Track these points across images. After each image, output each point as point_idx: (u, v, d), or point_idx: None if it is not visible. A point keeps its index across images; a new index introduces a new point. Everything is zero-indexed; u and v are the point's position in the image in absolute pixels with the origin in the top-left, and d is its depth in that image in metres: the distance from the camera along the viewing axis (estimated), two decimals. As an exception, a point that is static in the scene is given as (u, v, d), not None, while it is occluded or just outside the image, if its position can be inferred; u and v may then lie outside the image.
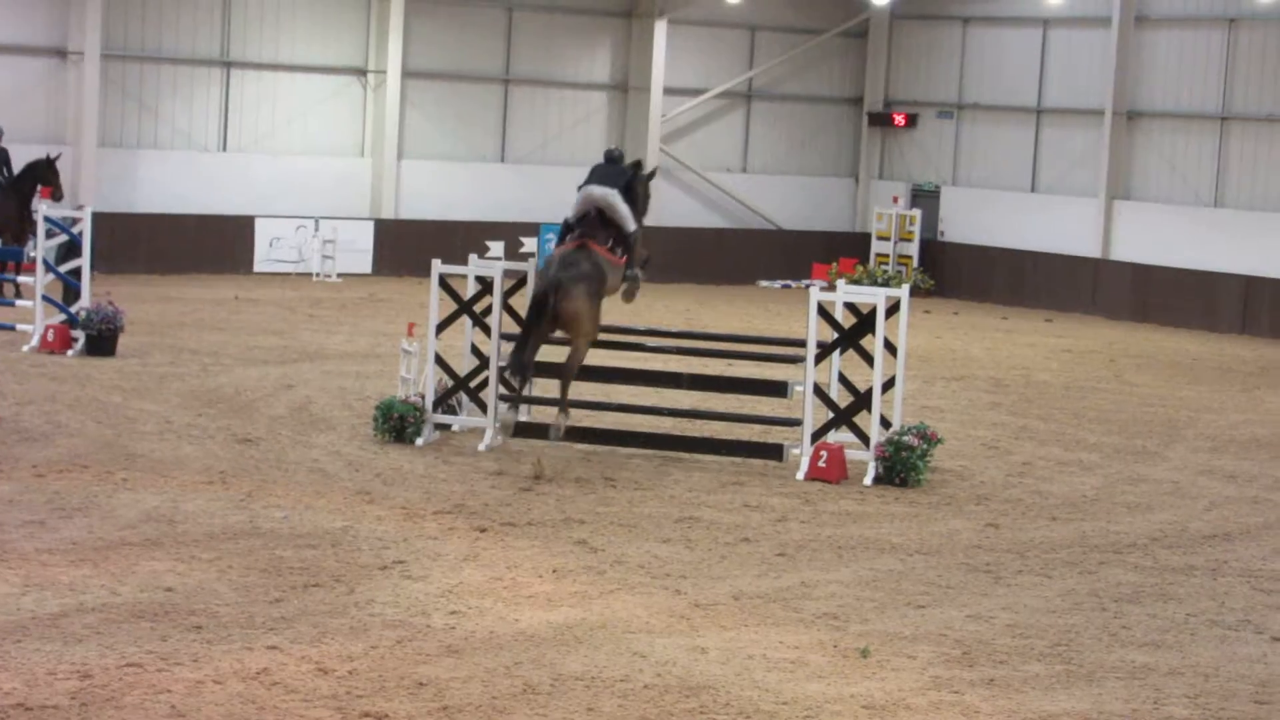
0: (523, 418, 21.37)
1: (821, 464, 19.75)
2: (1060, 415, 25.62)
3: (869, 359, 20.04)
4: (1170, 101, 41.67)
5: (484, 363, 21.06)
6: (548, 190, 43.07)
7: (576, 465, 19.93)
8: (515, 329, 21.23)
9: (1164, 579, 16.16)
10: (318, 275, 39.71)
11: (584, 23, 44.22)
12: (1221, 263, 39.59)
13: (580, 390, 21.90)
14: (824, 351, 20.14)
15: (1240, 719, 12.19)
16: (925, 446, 19.84)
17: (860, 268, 43.81)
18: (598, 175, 21.11)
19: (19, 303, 27.49)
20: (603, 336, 21.14)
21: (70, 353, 25.65)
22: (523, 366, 19.80)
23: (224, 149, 40.43)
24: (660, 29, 44.09)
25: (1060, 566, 16.43)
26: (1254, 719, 12.21)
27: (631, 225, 20.87)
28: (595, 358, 22.12)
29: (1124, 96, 42.20)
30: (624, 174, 21.20)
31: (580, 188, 20.97)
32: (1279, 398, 28.89)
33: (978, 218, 44.74)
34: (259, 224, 40.00)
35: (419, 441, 20.61)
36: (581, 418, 21.68)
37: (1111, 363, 32.38)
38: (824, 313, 20.13)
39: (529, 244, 21.08)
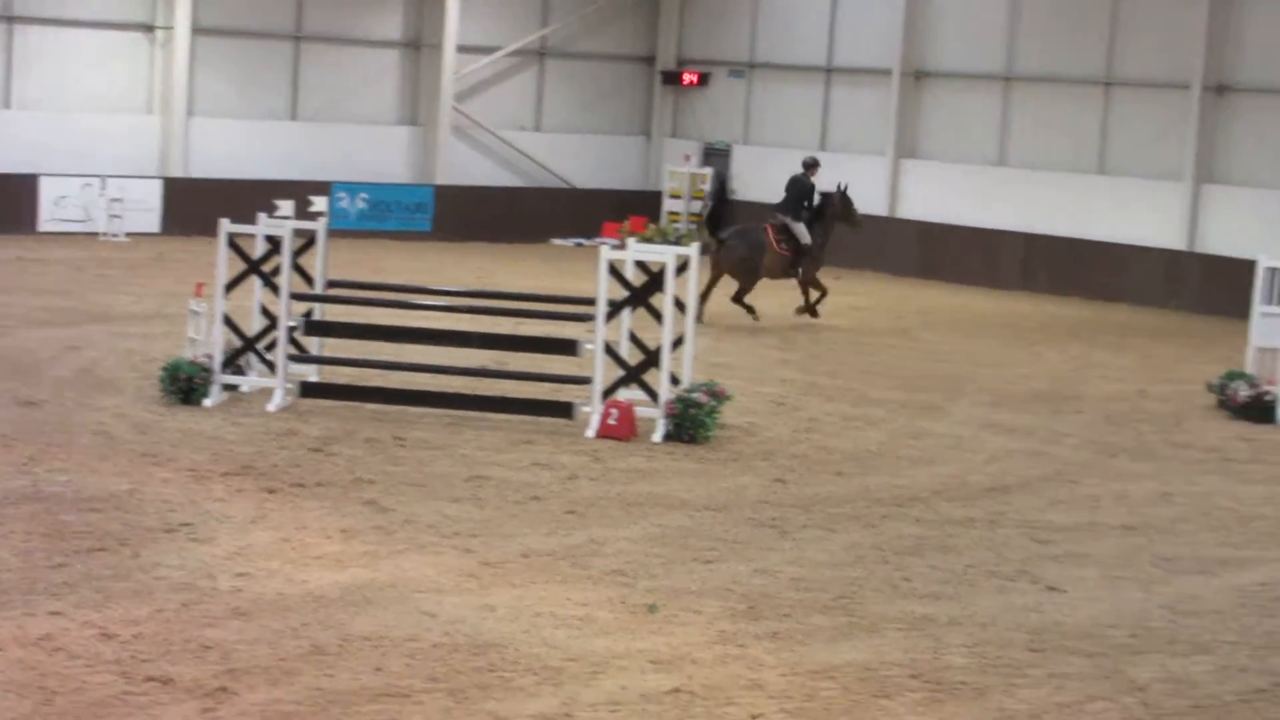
0: (313, 378, 21.31)
1: (611, 421, 19.90)
2: (847, 371, 25.99)
3: (659, 317, 20.21)
4: (956, 62, 42.28)
5: (273, 323, 20.94)
6: (339, 148, 42.83)
7: (366, 425, 19.88)
8: (304, 288, 21.20)
9: (945, 531, 16.49)
10: (105, 235, 39.10)
11: (375, -21, 43.96)
12: (1004, 221, 40.30)
13: (370, 349, 21.88)
14: (614, 310, 20.28)
15: (1016, 666, 12.50)
16: (714, 403, 20.05)
17: (652, 226, 43.98)
18: (787, 194, 31.42)
19: None
20: (390, 296, 21.30)
21: None
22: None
23: (7, 106, 39.67)
24: (452, -14, 43.93)
25: (844, 520, 16.71)
26: (1029, 665, 12.53)
27: (806, 239, 30.79)
28: (384, 317, 22.12)
29: (912, 57, 42.76)
30: (806, 191, 31.25)
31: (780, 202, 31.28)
32: (1058, 353, 29.51)
33: (769, 176, 45.05)
34: (44, 182, 39.26)
35: (207, 403, 20.45)
36: (371, 377, 21.65)
37: (898, 319, 32.87)
38: (614, 271, 20.27)
39: (319, 203, 20.97)
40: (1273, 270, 24.77)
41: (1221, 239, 37.36)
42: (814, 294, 31.27)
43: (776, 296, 31.79)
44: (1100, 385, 26.10)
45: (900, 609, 13.78)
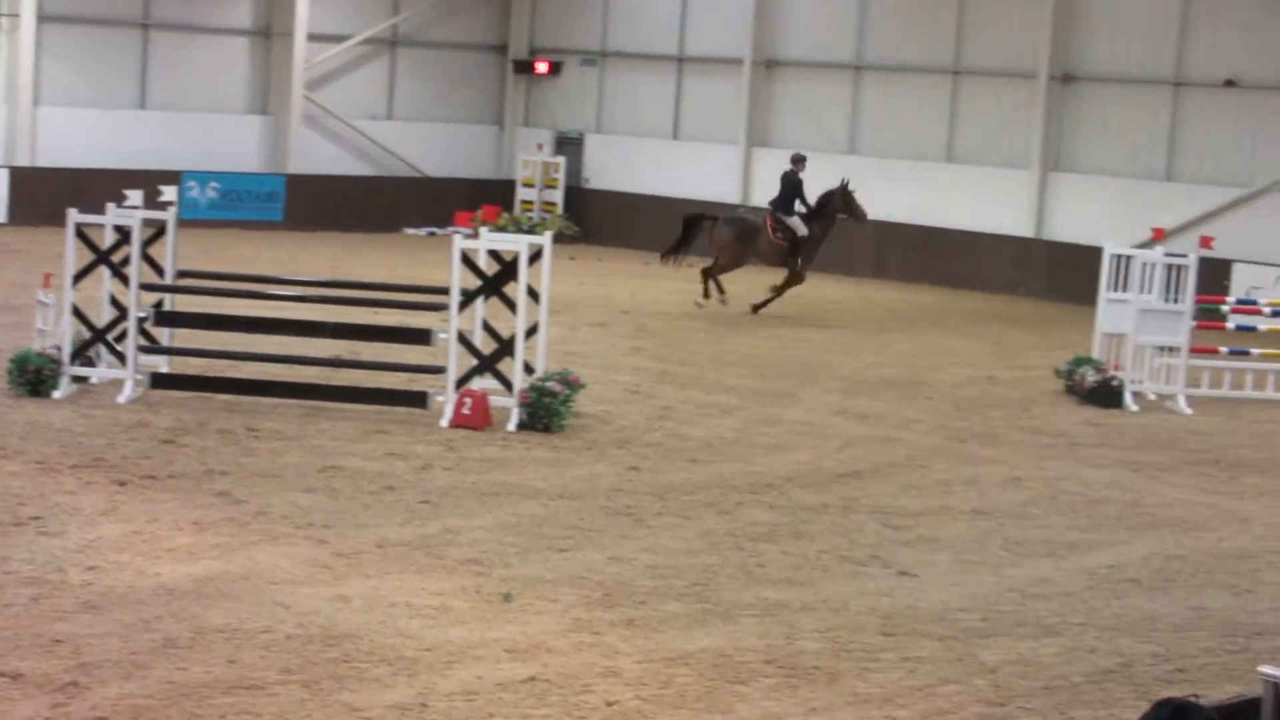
0: (164, 369, 21.13)
1: (466, 411, 19.88)
2: (700, 359, 26.10)
3: (513, 306, 20.21)
4: (807, 51, 42.55)
5: (123, 314, 20.73)
6: (189, 137, 42.43)
7: (218, 417, 19.73)
8: (155, 278, 21.01)
9: (798, 517, 16.62)
10: (-51, 225, 38.53)
11: (224, -33, 43.56)
12: (856, 209, 40.58)
13: (222, 340, 21.70)
14: (467, 299, 20.25)
15: (869, 650, 12.62)
16: (568, 392, 20.08)
17: (505, 215, 43.95)
18: (780, 190, 32.32)
19: None
20: (244, 286, 21.18)
21: None
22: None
23: None
24: (302, -26, 43.63)
25: (699, 508, 16.79)
26: (882, 650, 12.65)
27: (802, 231, 31.86)
28: (236, 307, 21.95)
29: (763, 46, 42.99)
30: (795, 186, 32.04)
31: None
32: (909, 340, 29.79)
33: (622, 164, 45.22)
34: (-114, 172, 38.69)
35: (56, 394, 20.22)
36: (224, 368, 21.49)
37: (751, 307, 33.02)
38: (467, 260, 20.24)
39: (169, 192, 20.72)
40: (1118, 257, 25.15)
41: (1068, 226, 37.89)
42: (787, 287, 32.16)
43: (631, 284, 31.87)
44: (950, 371, 26.38)
45: (754, 595, 13.87)
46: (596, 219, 44.70)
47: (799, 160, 32.75)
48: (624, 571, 14.35)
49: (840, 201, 32.38)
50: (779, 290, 31.98)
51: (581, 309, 30.42)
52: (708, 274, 31.84)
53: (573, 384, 20.23)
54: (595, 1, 46.19)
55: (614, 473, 18.11)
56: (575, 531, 15.62)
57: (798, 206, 32.30)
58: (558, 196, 45.14)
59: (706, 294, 31.66)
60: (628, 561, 14.67)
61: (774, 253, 32.29)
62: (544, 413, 19.85)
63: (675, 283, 36.29)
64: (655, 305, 32.16)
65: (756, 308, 31.70)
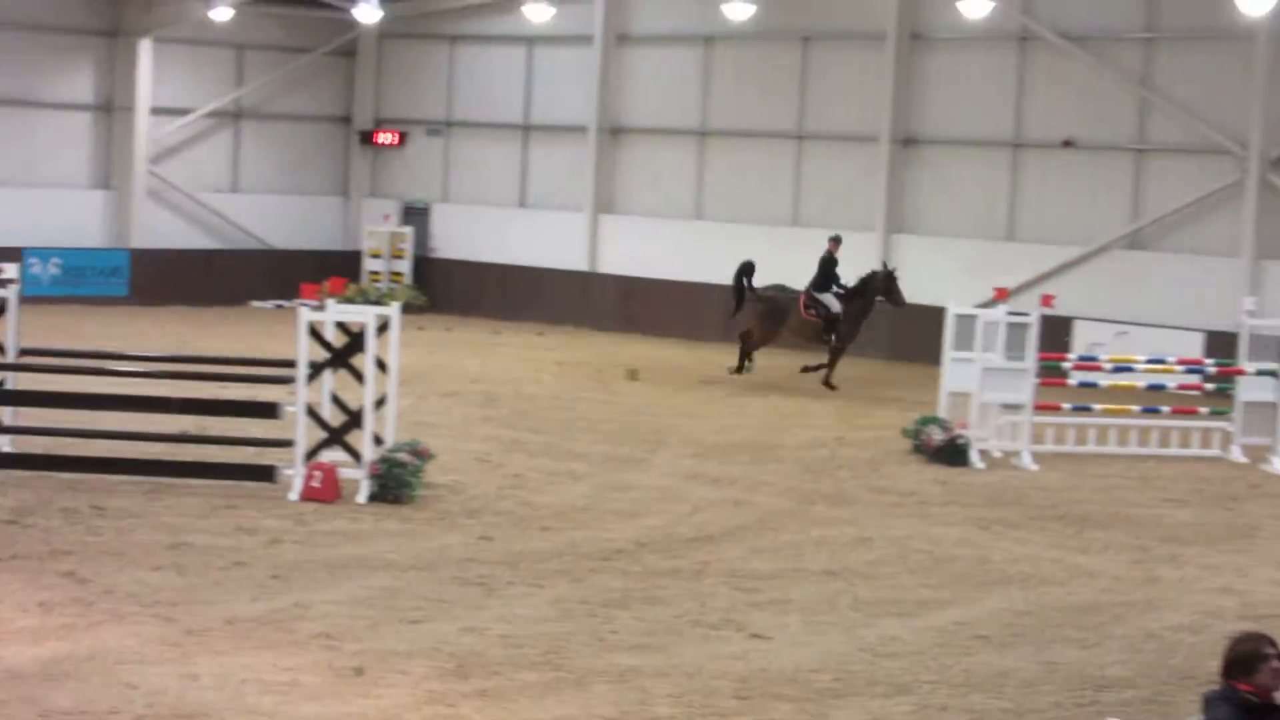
0: (6, 448, 20.85)
1: (315, 484, 19.76)
2: (551, 426, 26.10)
3: (361, 377, 20.13)
4: (652, 117, 42.81)
5: (-36, 393, 20.43)
6: (30, 213, 41.96)
7: (63, 495, 19.47)
8: (-4, 358, 20.77)
9: (651, 583, 16.63)
10: None
11: (66, 41, 43.16)
12: (703, 273, 40.79)
13: (67, 418, 21.44)
14: (315, 371, 20.16)
15: (723, 714, 12.65)
16: (418, 463, 20.02)
17: (352, 286, 43.80)
18: (818, 271, 32.80)
19: None
20: (88, 363, 20.97)
21: None
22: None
23: None
24: (145, 48, 43.36)
25: (551, 575, 16.77)
26: (735, 713, 12.69)
27: (836, 308, 32.29)
28: (80, 384, 21.70)
29: (608, 113, 43.20)
30: (829, 265, 32.63)
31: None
32: (760, 402, 29.96)
33: (469, 233, 45.23)
34: None
35: (-104, 477, 19.88)
36: (68, 446, 21.22)
37: (599, 373, 33.11)
38: (314, 333, 20.15)
39: (10, 269, 20.47)
40: (962, 316, 25.45)
41: (913, 287, 38.17)
42: (825, 367, 32.47)
43: (480, 353, 31.76)
44: (799, 433, 26.55)
45: (608, 662, 13.86)
46: (444, 288, 44.65)
47: (835, 240, 33.07)
48: (477, 642, 14.29)
49: (881, 284, 32.45)
50: (824, 366, 32.51)
51: (430, 379, 30.34)
52: (743, 345, 32.96)
53: (422, 454, 20.17)
54: (440, 71, 46.24)
55: (465, 542, 18.06)
56: (427, 603, 15.54)
57: (835, 286, 32.66)
58: (405, 267, 45.08)
59: (740, 368, 32.74)
60: (480, 632, 14.61)
61: (807, 329, 32.79)
62: (394, 484, 19.76)
63: (525, 350, 36.37)
64: (505, 374, 32.14)
65: (807, 369, 32.63)
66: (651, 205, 42.73)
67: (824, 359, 32.60)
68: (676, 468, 23.16)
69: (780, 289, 33.04)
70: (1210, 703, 8.71)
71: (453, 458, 22.49)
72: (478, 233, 45.05)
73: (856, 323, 32.70)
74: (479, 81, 45.71)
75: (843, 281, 32.69)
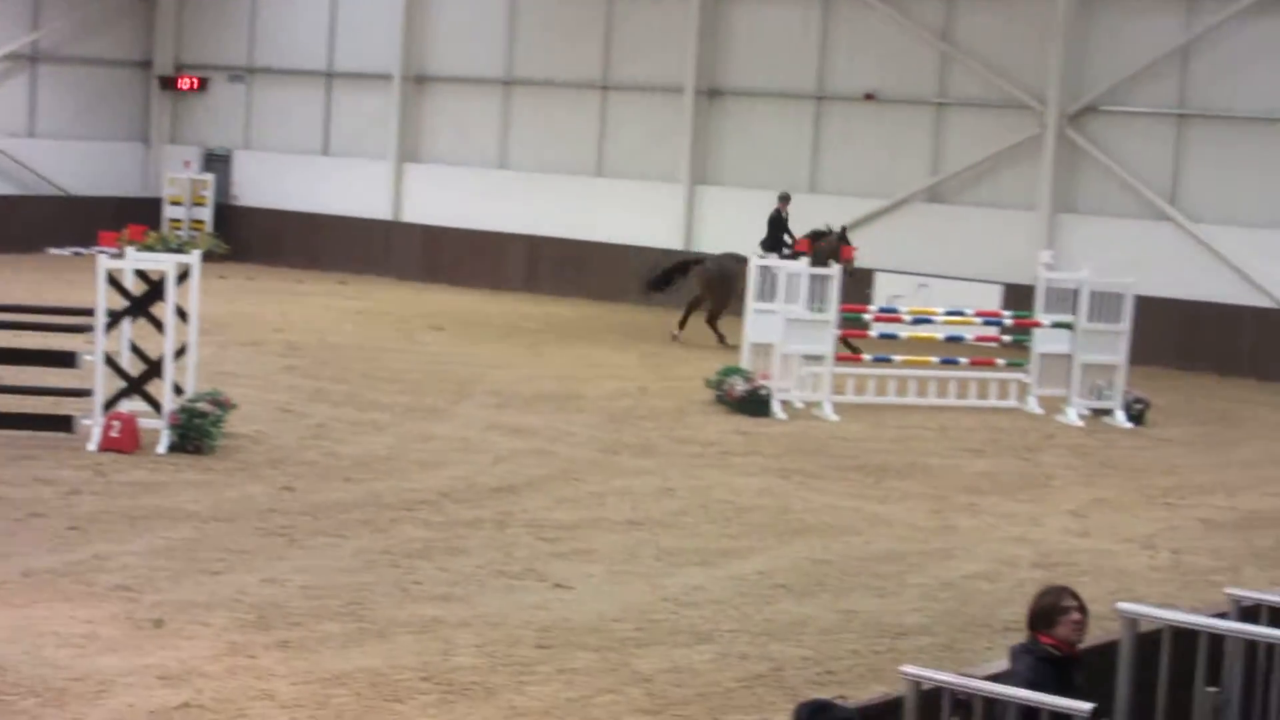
0: None
1: (114, 434, 19.51)
2: (354, 376, 25.97)
3: (160, 326, 19.90)
4: (456, 66, 42.60)
5: None
6: None
7: None
8: None
9: (453, 533, 16.64)
10: None
11: None
12: (507, 223, 40.80)
13: None
14: (114, 320, 19.88)
15: (526, 663, 12.69)
16: (219, 412, 19.84)
17: (152, 233, 43.19)
18: (767, 231, 32.40)
19: None
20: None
21: None
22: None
23: None
24: (-65, -12, 42.40)
25: (354, 526, 16.71)
26: (538, 662, 12.73)
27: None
28: None
29: (412, 61, 42.94)
30: (780, 225, 32.27)
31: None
32: (561, 352, 30.01)
33: (272, 181, 44.79)
34: None
35: None
36: None
37: (403, 323, 32.98)
38: (113, 280, 19.87)
39: None
40: (765, 268, 25.66)
41: (717, 238, 38.45)
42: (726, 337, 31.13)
43: (283, 302, 31.48)
44: (603, 384, 26.64)
45: (410, 612, 13.85)
46: (247, 237, 44.16)
47: (784, 199, 32.62)
48: (278, 593, 14.22)
49: (833, 246, 30.72)
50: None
51: (232, 328, 30.03)
52: (710, 321, 32.04)
53: (224, 404, 20.00)
54: (241, 17, 45.67)
55: (267, 493, 17.93)
56: (228, 554, 15.42)
57: (785, 248, 31.83)
58: (206, 214, 44.52)
59: (722, 339, 31.43)
60: (282, 583, 14.53)
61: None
62: (195, 434, 19.57)
63: (328, 299, 36.13)
64: (307, 323, 31.91)
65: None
66: (456, 154, 42.57)
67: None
68: (480, 418, 23.15)
69: (733, 257, 31.74)
70: (1014, 655, 8.76)
71: (254, 408, 22.30)
72: (281, 181, 44.63)
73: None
74: (282, 27, 45.21)
75: (791, 241, 32.04)
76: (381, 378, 25.99)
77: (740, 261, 30.72)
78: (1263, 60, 33.16)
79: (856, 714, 5.66)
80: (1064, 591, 8.89)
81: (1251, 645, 7.46)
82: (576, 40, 40.92)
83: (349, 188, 43.46)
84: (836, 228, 31.42)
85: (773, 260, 29.55)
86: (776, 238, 32.29)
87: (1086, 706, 6.63)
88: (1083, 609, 8.71)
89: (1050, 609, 8.81)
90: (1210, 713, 7.41)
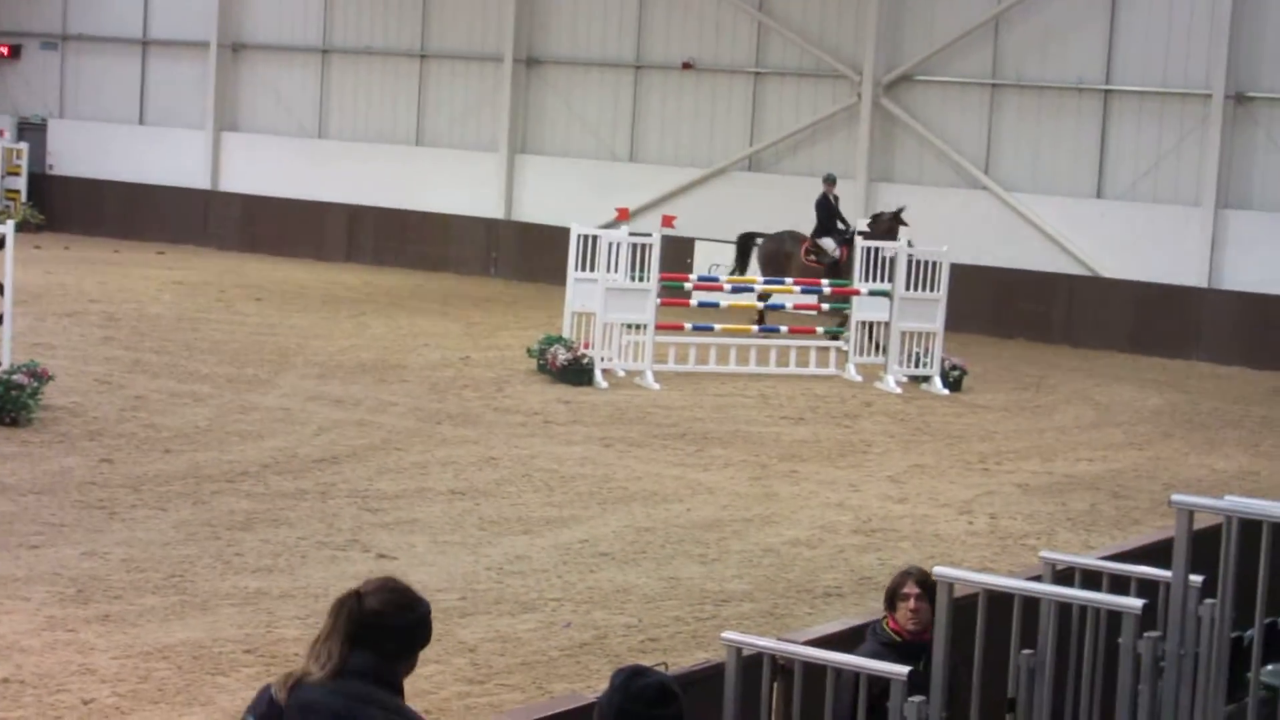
0: None
1: (-73, 408, 19.21)
2: (173, 347, 25.72)
3: (-26, 298, 19.61)
4: (274, 34, 42.26)
5: None
6: None
7: None
8: None
9: (276, 504, 16.57)
10: None
11: None
12: (327, 192, 40.59)
13: None
14: (-75, 292, 19.56)
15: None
16: (35, 384, 19.59)
17: (-35, 203, 42.51)
18: (816, 215, 30.80)
19: None
20: None
21: None
22: None
23: None
24: None
25: (175, 498, 16.59)
26: (362, 634, 12.70)
27: (834, 253, 29.99)
28: None
29: (229, 29, 42.53)
30: (828, 208, 30.61)
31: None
32: (384, 323, 29.91)
33: (88, 150, 44.17)
34: None
35: None
36: None
37: (222, 293, 32.70)
38: (-76, 252, 19.55)
39: None
40: (584, 237, 25.73)
41: (537, 207, 38.57)
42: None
43: (100, 273, 31.08)
44: (425, 354, 26.60)
45: (233, 584, 13.79)
46: (63, 206, 43.55)
47: (829, 181, 31.12)
48: (98, 566, 14.10)
49: (885, 226, 28.66)
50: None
51: (49, 299, 29.63)
52: (760, 298, 29.11)
53: (40, 376, 19.75)
54: (54, -18, 44.99)
55: (86, 465, 17.75)
56: (47, 527, 15.26)
57: (837, 229, 30.44)
58: (20, 184, 43.76)
59: (761, 317, 29.44)
60: (102, 556, 14.41)
61: (811, 276, 29.24)
62: (11, 406, 19.31)
63: (146, 269, 35.73)
64: (125, 294, 31.54)
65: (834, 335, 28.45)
66: (275, 123, 42.24)
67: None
68: (301, 389, 23.03)
69: (791, 236, 30.75)
70: (864, 634, 8.55)
71: (72, 379, 22.05)
72: (97, 150, 44.03)
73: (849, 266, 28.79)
74: (95, -6, 44.62)
75: (846, 224, 30.40)
76: (201, 349, 25.77)
77: (797, 241, 30.74)
78: (1072, 31, 33.74)
79: (672, 680, 5.71)
80: (908, 575, 8.60)
81: (1065, 608, 7.63)
82: (395, 8, 40.75)
83: (167, 157, 42.99)
84: (895, 210, 29.28)
85: (829, 243, 30.07)
86: (828, 222, 30.66)
87: (903, 670, 6.76)
88: (928, 595, 8.27)
89: (892, 592, 8.58)
90: (1025, 675, 7.58)
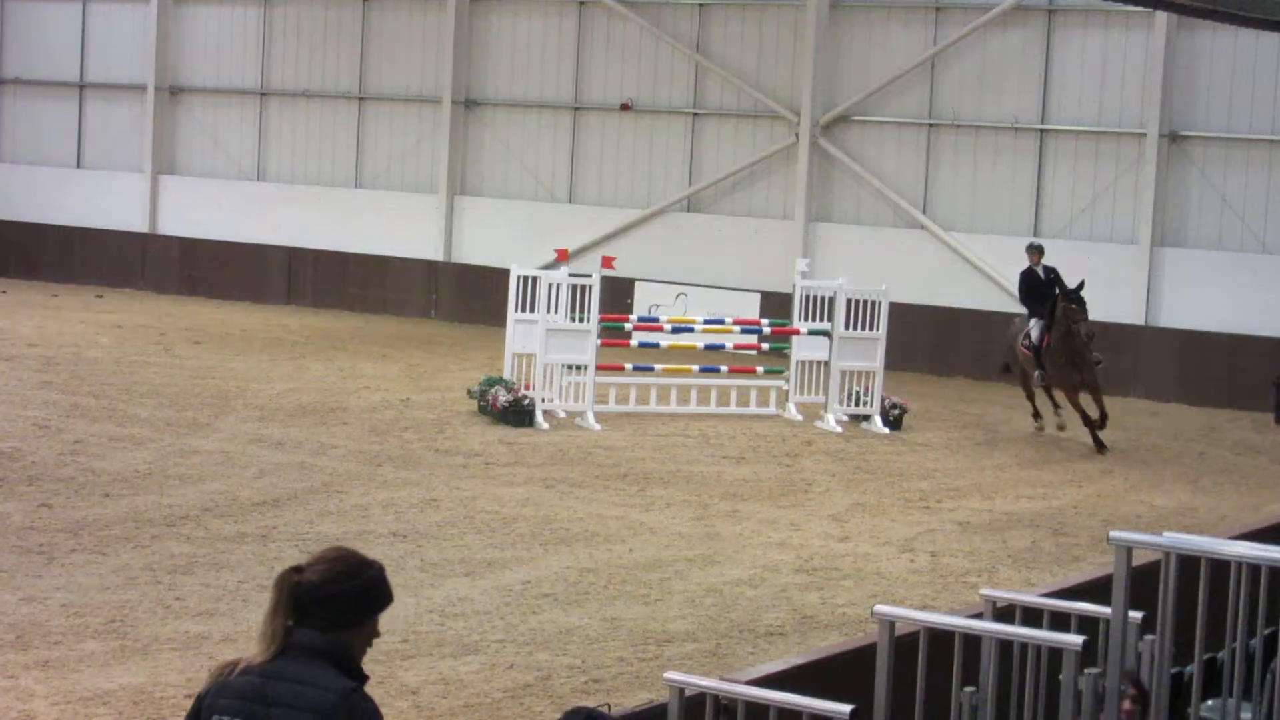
0: None
1: None
2: (112, 391, 25.61)
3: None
4: (211, 77, 42.19)
5: None
6: None
7: None
8: None
9: (216, 548, 16.51)
10: None
11: None
12: (266, 235, 40.51)
13: None
14: None
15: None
16: (-27, 430, 19.50)
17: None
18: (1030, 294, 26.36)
19: None
20: None
21: None
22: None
23: None
24: None
25: (114, 543, 16.52)
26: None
27: (1035, 337, 25.78)
28: None
29: (166, 72, 42.44)
30: (1032, 282, 26.21)
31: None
32: (324, 365, 29.85)
33: (24, 194, 43.96)
34: None
35: None
36: None
37: (162, 337, 32.57)
38: None
39: None
40: (524, 278, 25.75)
41: (476, 249, 38.56)
42: (1062, 410, 26.13)
43: (37, 316, 30.80)
44: (365, 396, 26.55)
45: (174, 629, 13.74)
46: (0, 250, 43.35)
47: (1034, 250, 26.62)
48: (37, 611, 14.02)
49: (1060, 306, 25.43)
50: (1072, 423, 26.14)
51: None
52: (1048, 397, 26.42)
53: (-23, 422, 19.65)
54: (-11, 26, 44.83)
55: (24, 510, 17.65)
56: (-15, 574, 15.18)
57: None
58: (-44, 228, 43.60)
59: (1037, 414, 26.52)
60: (41, 601, 14.33)
61: (1030, 365, 26.08)
62: (-52, 452, 19.21)
63: (84, 313, 35.58)
64: (63, 338, 31.40)
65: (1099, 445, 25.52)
66: (212, 166, 42.15)
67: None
68: (241, 431, 22.96)
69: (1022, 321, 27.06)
70: None
71: (9, 424, 21.96)
72: (33, 193, 43.82)
73: (1056, 354, 25.43)
74: (31, 37, 44.42)
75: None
76: (140, 392, 25.67)
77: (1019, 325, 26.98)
78: (1008, 71, 33.96)
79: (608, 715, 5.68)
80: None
81: (1006, 645, 7.68)
82: (332, 51, 40.74)
83: (104, 200, 42.83)
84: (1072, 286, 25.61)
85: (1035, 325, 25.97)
86: (1030, 301, 26.35)
87: (846, 708, 6.79)
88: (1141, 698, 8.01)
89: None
90: (967, 712, 7.61)
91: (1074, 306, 25.18)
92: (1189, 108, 32.47)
